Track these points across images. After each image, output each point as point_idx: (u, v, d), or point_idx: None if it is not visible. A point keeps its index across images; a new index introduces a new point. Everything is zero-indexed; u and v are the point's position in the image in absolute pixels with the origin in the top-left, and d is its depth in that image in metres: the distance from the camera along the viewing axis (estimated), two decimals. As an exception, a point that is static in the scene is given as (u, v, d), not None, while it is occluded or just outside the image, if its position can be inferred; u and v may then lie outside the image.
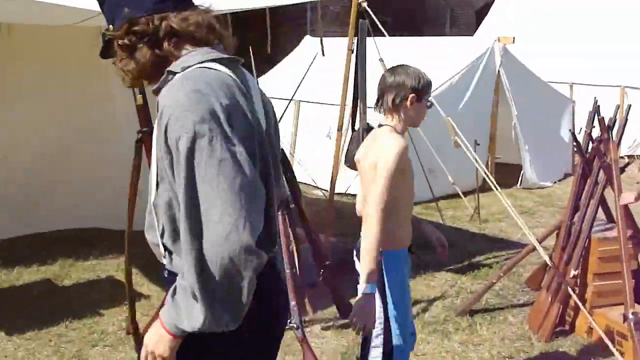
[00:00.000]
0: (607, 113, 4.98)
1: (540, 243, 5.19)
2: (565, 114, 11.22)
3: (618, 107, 5.01)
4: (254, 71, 4.75)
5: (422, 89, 3.38)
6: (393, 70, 3.46)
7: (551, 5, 15.90)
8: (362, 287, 3.12)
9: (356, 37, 5.52)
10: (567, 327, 5.15)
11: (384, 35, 5.76)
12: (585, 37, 14.30)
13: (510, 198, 9.65)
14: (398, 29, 14.08)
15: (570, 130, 5.01)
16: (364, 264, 3.15)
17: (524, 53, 11.84)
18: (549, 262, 4.85)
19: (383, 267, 3.38)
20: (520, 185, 10.31)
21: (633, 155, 12.69)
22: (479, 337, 5.04)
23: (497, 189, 5.03)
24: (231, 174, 1.85)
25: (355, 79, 5.56)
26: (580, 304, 4.71)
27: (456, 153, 8.67)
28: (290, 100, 7.37)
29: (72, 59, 6.80)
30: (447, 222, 8.22)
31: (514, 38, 10.08)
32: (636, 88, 13.08)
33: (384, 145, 3.28)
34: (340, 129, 5.70)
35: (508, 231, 7.89)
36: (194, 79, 1.97)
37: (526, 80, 10.39)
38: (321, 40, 6.11)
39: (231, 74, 2.05)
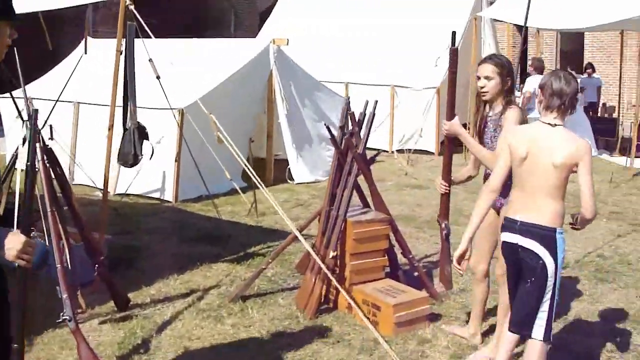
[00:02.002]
0: (379, 109, 5.58)
1: (302, 230, 5.63)
2: (338, 111, 11.92)
3: (367, 103, 5.51)
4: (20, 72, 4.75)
5: None
6: (566, 77, 3.86)
7: (328, 11, 16.73)
8: None
9: (124, 39, 5.68)
10: (331, 304, 5.62)
11: (151, 37, 5.93)
12: (359, 41, 15.26)
13: (287, 192, 10.23)
14: (182, 31, 14.23)
15: (325, 124, 5.44)
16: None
17: (302, 55, 12.46)
18: (307, 247, 5.27)
19: (559, 245, 3.81)
20: (291, 180, 10.83)
21: (403, 149, 13.71)
22: (250, 320, 5.38)
23: (260, 184, 5.37)
24: None
25: (124, 79, 5.72)
26: (335, 282, 5.17)
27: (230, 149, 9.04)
28: (57, 101, 7.34)
29: None
30: (225, 217, 8.55)
31: (287, 40, 10.59)
32: (404, 87, 14.13)
33: (582, 144, 3.80)
34: (111, 128, 5.83)
35: (283, 223, 8.32)
36: None
37: (299, 80, 10.96)
38: (85, 39, 6.20)
39: None
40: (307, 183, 10.74)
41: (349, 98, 5.68)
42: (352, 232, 5.38)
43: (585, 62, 21.77)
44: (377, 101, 5.56)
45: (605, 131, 15.39)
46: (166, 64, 7.93)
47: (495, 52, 15.01)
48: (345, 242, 5.46)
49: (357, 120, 5.46)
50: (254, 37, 17.99)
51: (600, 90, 17.09)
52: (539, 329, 3.84)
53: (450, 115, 4.70)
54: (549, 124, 3.81)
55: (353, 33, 15.51)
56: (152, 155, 6.08)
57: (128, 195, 9.55)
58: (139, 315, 5.43)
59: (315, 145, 11.08)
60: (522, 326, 3.90)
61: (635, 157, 12.84)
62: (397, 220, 8.45)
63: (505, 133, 4.10)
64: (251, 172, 5.28)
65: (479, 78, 4.62)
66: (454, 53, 4.69)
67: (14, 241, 2.56)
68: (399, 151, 13.81)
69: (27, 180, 2.91)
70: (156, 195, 9.49)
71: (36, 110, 3.55)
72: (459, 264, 3.96)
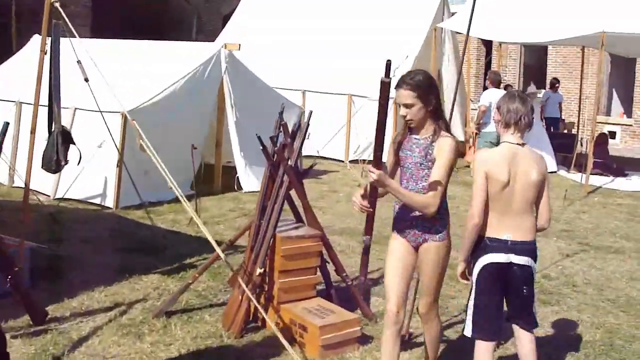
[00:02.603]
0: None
1: (231, 244, 5.39)
2: (292, 120, 11.70)
3: (302, 112, 5.28)
4: None
5: None
6: (521, 96, 4.15)
7: (288, 17, 16.53)
8: None
9: (49, 38, 5.40)
10: (259, 323, 5.37)
11: (76, 37, 5.65)
12: (318, 47, 15.03)
13: (234, 201, 9.97)
14: (143, 32, 13.90)
15: (256, 135, 5.19)
16: None
17: (260, 61, 12.25)
18: (228, 263, 5.04)
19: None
20: (240, 189, 10.57)
21: (358, 160, 13.52)
22: (172, 337, 5.11)
23: (181, 196, 5.12)
24: None
25: (50, 81, 5.44)
26: (254, 301, 4.92)
27: (179, 156, 8.78)
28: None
29: None
30: (165, 226, 8.27)
31: (239, 45, 10.35)
32: (361, 96, 13.93)
33: (545, 161, 4.25)
34: (33, 131, 5.54)
35: (224, 234, 8.08)
36: None
37: (252, 87, 10.71)
38: (12, 34, 5.89)
39: None
40: (255, 192, 10.45)
41: (283, 107, 5.44)
42: (281, 248, 5.14)
43: (548, 77, 21.86)
44: (311, 111, 5.35)
45: (563, 147, 15.30)
46: (109, 65, 7.63)
47: (455, 65, 14.95)
48: (274, 258, 5.22)
49: (290, 131, 5.23)
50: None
51: (561, 106, 17.02)
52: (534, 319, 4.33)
53: (378, 161, 3.73)
54: (517, 144, 4.07)
55: (312, 38, 15.29)
56: (79, 160, 5.78)
57: (68, 200, 9.23)
58: (54, 330, 5.14)
59: (262, 154, 10.81)
60: (533, 323, 4.32)
61: (591, 174, 12.76)
62: (343, 234, 8.34)
63: (478, 165, 4.09)
64: (172, 182, 4.98)
65: (399, 105, 4.03)
66: (383, 85, 3.54)
67: None
68: (353, 162, 13.63)
69: None
70: (97, 201, 9.18)
71: None
72: (466, 279, 4.26)
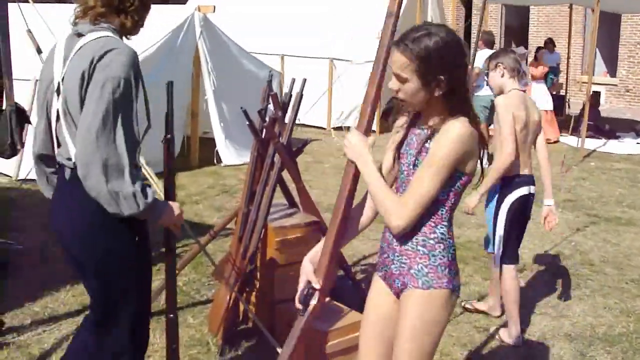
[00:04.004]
0: (317, 84, 4.55)
1: (215, 235, 4.68)
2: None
3: (294, 80, 4.53)
4: None
5: None
6: (513, 50, 4.87)
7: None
8: None
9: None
10: (250, 324, 4.68)
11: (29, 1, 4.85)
12: (296, 8, 14.17)
13: (213, 176, 9.21)
14: None
15: (241, 108, 4.45)
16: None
17: (233, 23, 11.41)
18: (211, 260, 4.32)
19: None
20: (219, 162, 9.81)
21: (342, 127, 12.79)
22: (150, 348, 4.33)
23: (149, 175, 4.38)
24: None
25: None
26: (246, 306, 4.25)
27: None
28: None
29: None
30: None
31: (214, 7, 9.52)
32: (344, 60, 13.16)
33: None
34: (-21, 110, 4.75)
35: (204, 214, 7.35)
36: None
37: (229, 52, 9.91)
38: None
39: None
40: (236, 165, 9.71)
41: (271, 75, 4.70)
42: (274, 240, 4.42)
43: (530, 37, 21.16)
44: (305, 79, 4.58)
45: (555, 109, 14.63)
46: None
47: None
48: (266, 251, 4.50)
49: (281, 103, 4.48)
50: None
51: (559, 67, 16.23)
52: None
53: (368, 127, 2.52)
54: (521, 90, 4.73)
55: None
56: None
57: (32, 181, 8.41)
58: (12, 343, 4.39)
59: (244, 125, 10.00)
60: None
61: (586, 137, 12.16)
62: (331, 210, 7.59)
63: (503, 109, 4.51)
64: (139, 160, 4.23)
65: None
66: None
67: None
68: (336, 129, 12.90)
69: None
70: (63, 181, 8.37)
71: None
72: (471, 213, 4.79)
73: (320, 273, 2.55)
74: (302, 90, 4.49)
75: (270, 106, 4.51)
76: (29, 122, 4.89)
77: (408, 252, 2.55)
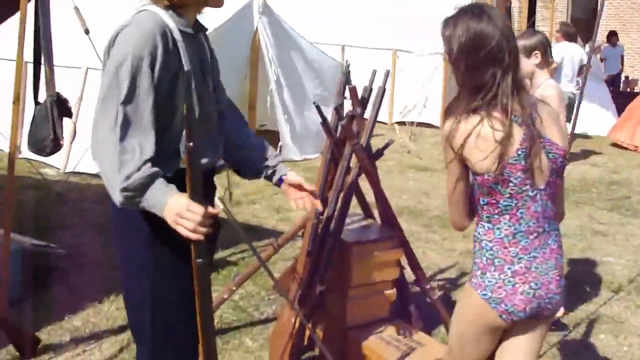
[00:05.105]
0: (377, 76, 3.89)
1: (279, 249, 4.08)
2: (335, 78, 10.30)
3: (375, 72, 3.91)
4: None
5: None
6: None
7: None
8: None
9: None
10: (316, 351, 4.07)
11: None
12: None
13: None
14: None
15: (314, 103, 3.84)
16: None
17: (290, 11, 10.83)
18: (272, 278, 3.72)
19: None
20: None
21: (405, 122, 12.15)
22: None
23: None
24: None
25: (36, 35, 4.10)
26: (313, 335, 3.63)
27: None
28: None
29: None
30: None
31: (273, -8, 8.97)
32: (408, 51, 12.52)
33: None
34: (16, 101, 4.21)
35: (262, 216, 6.77)
36: None
37: (290, 41, 9.32)
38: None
39: None
40: (294, 161, 9.12)
41: (348, 65, 4.07)
42: (349, 257, 3.79)
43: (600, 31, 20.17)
44: (388, 71, 3.94)
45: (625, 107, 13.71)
46: (118, 15, 6.26)
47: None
48: (339, 269, 3.87)
49: (359, 98, 3.84)
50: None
51: (623, 59, 15.35)
52: None
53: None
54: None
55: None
56: (73, 138, 4.46)
57: (80, 174, 7.95)
58: (48, 364, 3.88)
59: (308, 119, 9.40)
60: None
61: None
62: (401, 216, 6.93)
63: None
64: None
65: None
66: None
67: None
68: (399, 124, 12.23)
69: None
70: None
71: None
72: None
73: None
74: (384, 83, 3.84)
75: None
76: (70, 116, 4.35)
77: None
